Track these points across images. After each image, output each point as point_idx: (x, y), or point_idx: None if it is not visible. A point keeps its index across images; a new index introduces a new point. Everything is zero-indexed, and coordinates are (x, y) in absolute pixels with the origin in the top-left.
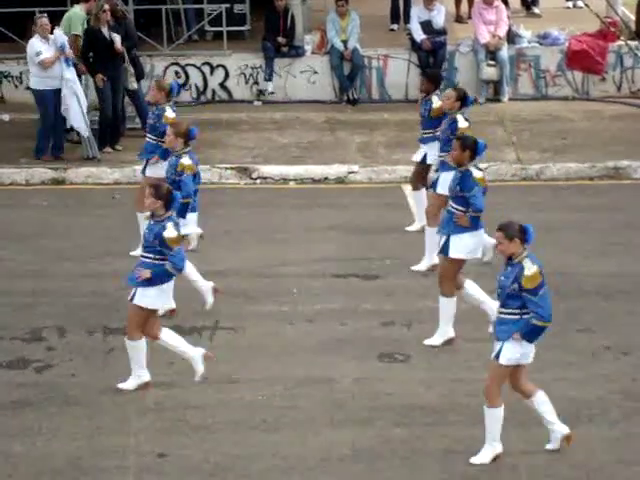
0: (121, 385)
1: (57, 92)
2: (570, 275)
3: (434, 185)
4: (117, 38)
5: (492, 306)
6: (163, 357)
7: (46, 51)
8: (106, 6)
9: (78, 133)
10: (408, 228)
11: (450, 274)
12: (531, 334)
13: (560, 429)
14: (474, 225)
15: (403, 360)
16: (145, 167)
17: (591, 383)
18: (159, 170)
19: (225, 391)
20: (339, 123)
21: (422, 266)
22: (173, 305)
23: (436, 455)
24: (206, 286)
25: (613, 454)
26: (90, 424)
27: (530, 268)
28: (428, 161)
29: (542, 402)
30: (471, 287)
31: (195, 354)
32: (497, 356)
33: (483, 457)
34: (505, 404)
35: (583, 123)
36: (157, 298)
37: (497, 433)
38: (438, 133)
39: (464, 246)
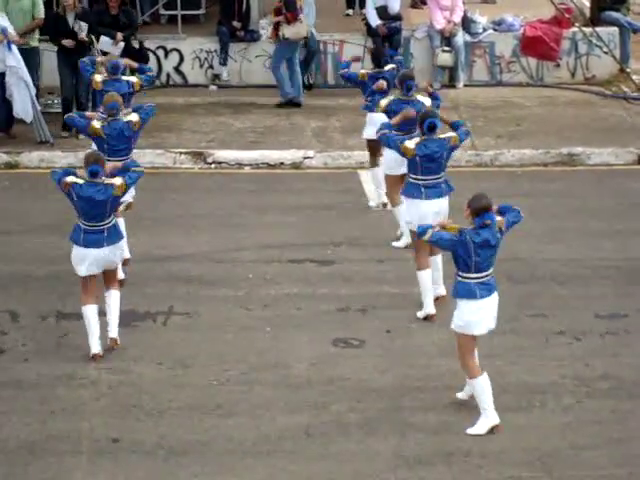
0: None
1: (2, 75)
2: (524, 260)
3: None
4: (84, 27)
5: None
6: (118, 342)
7: None
8: None
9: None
10: (370, 204)
11: (415, 246)
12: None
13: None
14: (412, 193)
15: (358, 345)
16: None
17: (544, 368)
18: None
19: (180, 376)
20: (295, 108)
21: (401, 243)
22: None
23: (390, 440)
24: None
25: (565, 439)
26: (43, 409)
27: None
28: (364, 135)
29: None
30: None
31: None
32: None
33: (479, 428)
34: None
35: (537, 109)
36: None
37: (488, 402)
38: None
39: (410, 215)
